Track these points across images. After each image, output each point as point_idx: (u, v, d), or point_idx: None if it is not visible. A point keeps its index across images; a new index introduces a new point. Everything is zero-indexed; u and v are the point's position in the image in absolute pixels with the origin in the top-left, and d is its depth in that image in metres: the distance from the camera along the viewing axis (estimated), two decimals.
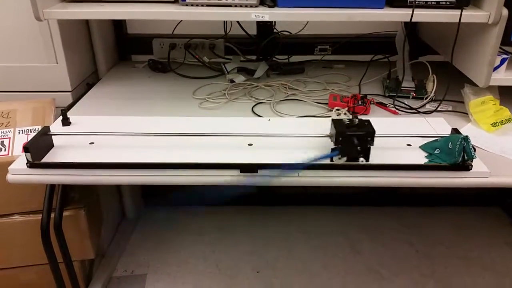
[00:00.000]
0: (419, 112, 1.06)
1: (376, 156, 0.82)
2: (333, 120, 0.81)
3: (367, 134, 0.78)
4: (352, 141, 0.78)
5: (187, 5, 0.96)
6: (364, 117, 1.01)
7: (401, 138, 0.89)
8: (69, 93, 1.17)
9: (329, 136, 0.83)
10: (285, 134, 0.89)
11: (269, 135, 0.89)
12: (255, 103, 1.10)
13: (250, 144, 0.87)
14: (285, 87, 1.20)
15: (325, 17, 0.95)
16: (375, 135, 0.83)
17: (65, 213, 1.04)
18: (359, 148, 0.78)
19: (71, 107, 1.08)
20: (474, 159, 0.79)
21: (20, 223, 1.07)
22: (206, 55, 1.38)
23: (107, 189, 1.40)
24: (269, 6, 0.96)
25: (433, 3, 0.95)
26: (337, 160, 0.79)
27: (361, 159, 0.79)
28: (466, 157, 0.78)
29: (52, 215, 0.98)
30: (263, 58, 1.36)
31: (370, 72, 1.27)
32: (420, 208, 1.67)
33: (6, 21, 1.09)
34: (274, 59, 1.37)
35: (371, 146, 0.79)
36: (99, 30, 1.29)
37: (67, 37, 1.13)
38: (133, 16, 0.96)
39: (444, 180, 0.80)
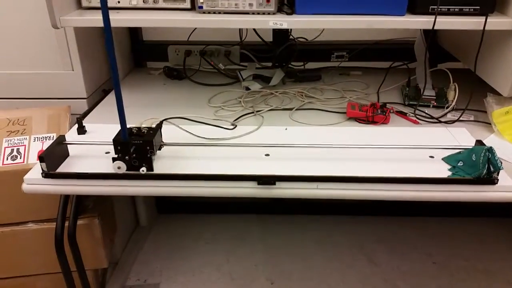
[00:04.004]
0: (440, 122, 1.03)
1: (399, 168, 0.80)
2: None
3: (144, 143, 0.75)
4: (129, 150, 0.75)
5: (204, 12, 0.95)
6: (384, 127, 1.00)
7: (423, 149, 0.86)
8: (85, 100, 1.17)
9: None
10: (303, 145, 0.87)
11: (286, 146, 0.87)
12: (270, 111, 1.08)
13: (267, 155, 0.85)
14: (302, 95, 1.19)
15: (344, 25, 0.93)
16: (396, 146, 0.81)
17: (79, 222, 1.03)
18: (135, 156, 0.76)
19: (87, 115, 1.07)
20: (500, 172, 0.76)
21: (34, 231, 1.07)
22: (222, 62, 1.37)
23: (120, 197, 1.39)
24: (287, 14, 0.94)
25: (456, 10, 0.93)
26: (116, 170, 0.76)
27: (142, 168, 0.77)
28: (492, 169, 0.75)
29: (66, 223, 0.98)
30: (279, 65, 1.34)
31: (388, 79, 1.24)
32: (438, 218, 1.63)
33: (23, 28, 1.09)
34: (290, 66, 1.35)
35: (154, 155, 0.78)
36: (115, 37, 1.28)
37: (83, 44, 1.13)
38: (150, 24, 0.95)
39: (469, 194, 0.77)
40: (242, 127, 0.99)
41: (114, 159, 0.76)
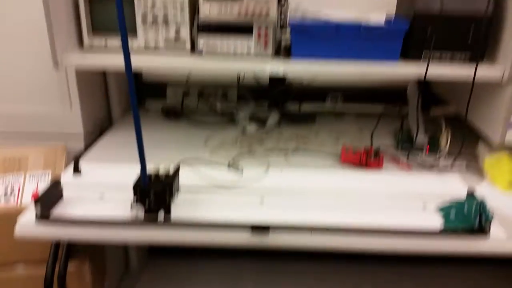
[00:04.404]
0: (432, 168, 1.04)
1: (391, 218, 0.80)
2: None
3: (163, 189, 0.77)
4: (149, 195, 0.77)
5: (203, 56, 0.97)
6: (377, 173, 1.00)
7: (416, 197, 0.87)
8: (82, 137, 1.17)
9: None
10: (298, 188, 0.88)
11: (282, 191, 0.88)
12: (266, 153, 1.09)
13: (262, 199, 0.85)
14: (297, 137, 1.20)
15: (339, 70, 0.96)
16: (389, 195, 0.81)
17: (69, 265, 1.01)
18: (153, 201, 0.77)
19: (83, 153, 1.07)
20: (491, 224, 0.76)
21: (23, 275, 1.05)
22: (219, 102, 1.38)
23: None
24: (284, 58, 0.97)
25: (448, 55, 0.95)
26: (134, 215, 0.78)
27: (161, 213, 0.78)
28: (484, 220, 0.76)
29: (56, 267, 0.96)
30: (274, 106, 1.36)
31: (383, 122, 1.25)
32: (432, 266, 1.59)
33: (24, 64, 1.11)
34: (285, 107, 1.37)
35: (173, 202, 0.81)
36: (115, 76, 1.30)
37: (82, 82, 1.15)
38: (153, 66, 0.98)
39: (461, 245, 0.77)
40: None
41: (132, 205, 0.77)
